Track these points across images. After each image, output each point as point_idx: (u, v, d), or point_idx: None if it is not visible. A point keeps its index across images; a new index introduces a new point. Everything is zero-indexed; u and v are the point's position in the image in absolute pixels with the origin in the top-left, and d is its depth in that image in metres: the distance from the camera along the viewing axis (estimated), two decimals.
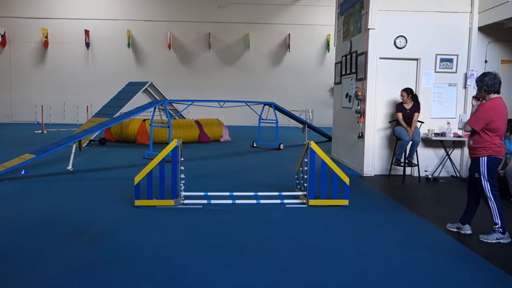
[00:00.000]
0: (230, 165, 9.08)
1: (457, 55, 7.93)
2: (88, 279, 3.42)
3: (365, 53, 7.97)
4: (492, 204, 4.49)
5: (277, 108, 12.40)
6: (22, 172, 7.38)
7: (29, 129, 16.75)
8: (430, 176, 7.80)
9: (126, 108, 11.53)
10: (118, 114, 11.34)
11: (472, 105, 4.75)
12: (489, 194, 4.50)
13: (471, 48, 7.88)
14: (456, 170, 7.92)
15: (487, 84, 4.46)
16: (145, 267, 3.64)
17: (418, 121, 7.71)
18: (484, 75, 4.53)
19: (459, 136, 7.90)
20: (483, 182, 4.51)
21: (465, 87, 7.99)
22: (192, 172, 7.42)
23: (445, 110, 8.03)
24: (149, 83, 12.74)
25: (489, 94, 4.50)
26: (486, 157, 4.47)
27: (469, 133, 4.64)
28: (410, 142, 7.51)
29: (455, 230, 4.80)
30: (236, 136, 14.42)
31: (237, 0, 21.14)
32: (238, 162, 9.51)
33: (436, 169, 8.05)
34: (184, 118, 14.06)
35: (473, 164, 4.61)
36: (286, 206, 5.65)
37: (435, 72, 7.96)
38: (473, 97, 4.76)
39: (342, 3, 9.64)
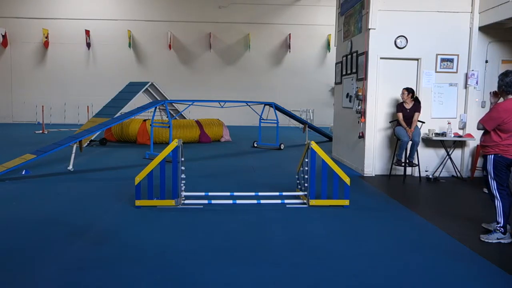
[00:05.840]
0: (230, 165, 9.08)
1: (458, 55, 7.92)
2: (88, 279, 3.42)
3: (365, 53, 7.97)
4: (498, 203, 4.48)
5: (278, 108, 12.40)
6: (23, 172, 7.38)
7: (30, 129, 16.76)
8: (430, 176, 7.80)
9: (126, 108, 11.54)
10: (118, 114, 11.35)
11: (491, 103, 4.69)
12: (495, 192, 4.50)
13: (471, 48, 7.88)
14: (456, 170, 7.91)
15: (506, 84, 4.41)
16: (146, 267, 3.65)
17: (419, 121, 7.71)
18: (505, 74, 4.45)
19: (460, 136, 7.90)
20: (489, 180, 4.52)
21: (465, 87, 7.99)
22: (192, 172, 7.43)
23: (446, 110, 8.03)
24: (149, 83, 12.75)
25: (508, 94, 4.45)
26: (492, 156, 4.47)
27: (482, 130, 4.61)
28: (410, 142, 7.51)
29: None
30: (236, 136, 14.42)
31: (237, 0, 21.14)
32: (238, 162, 9.51)
33: (437, 169, 8.05)
34: (185, 118, 14.07)
35: (484, 162, 4.62)
36: (287, 206, 5.65)
37: (436, 72, 7.95)
38: (492, 92, 4.68)
39: (342, 3, 9.64)
